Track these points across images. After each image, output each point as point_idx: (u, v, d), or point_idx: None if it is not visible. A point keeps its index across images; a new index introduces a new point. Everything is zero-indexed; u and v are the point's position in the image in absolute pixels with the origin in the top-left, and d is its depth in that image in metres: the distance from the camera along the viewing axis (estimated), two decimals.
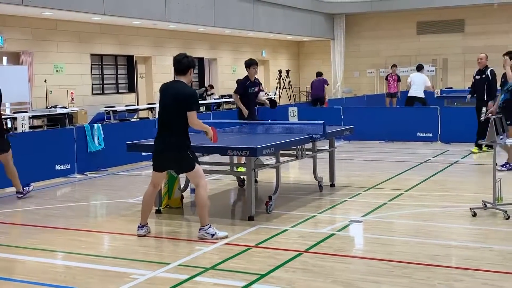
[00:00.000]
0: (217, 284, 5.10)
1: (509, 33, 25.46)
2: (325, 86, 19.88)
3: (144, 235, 6.62)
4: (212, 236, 6.35)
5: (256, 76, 10.38)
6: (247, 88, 10.15)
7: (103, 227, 7.26)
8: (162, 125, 6.46)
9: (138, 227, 6.68)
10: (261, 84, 10.60)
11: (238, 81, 10.90)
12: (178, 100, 6.30)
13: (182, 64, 6.46)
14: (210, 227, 6.41)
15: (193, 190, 8.81)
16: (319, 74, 20.44)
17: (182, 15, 18.49)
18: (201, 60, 23.99)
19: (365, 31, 28.37)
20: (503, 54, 10.60)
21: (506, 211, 7.09)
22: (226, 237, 6.41)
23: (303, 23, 25.61)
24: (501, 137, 7.35)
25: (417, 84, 17.05)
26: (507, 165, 10.18)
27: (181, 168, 6.57)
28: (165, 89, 6.57)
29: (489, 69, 12.73)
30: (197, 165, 6.46)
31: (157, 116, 16.64)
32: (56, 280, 5.28)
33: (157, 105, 18.23)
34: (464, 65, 26.60)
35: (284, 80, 26.04)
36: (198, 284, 5.11)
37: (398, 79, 21.32)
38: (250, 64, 10.08)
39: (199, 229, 6.43)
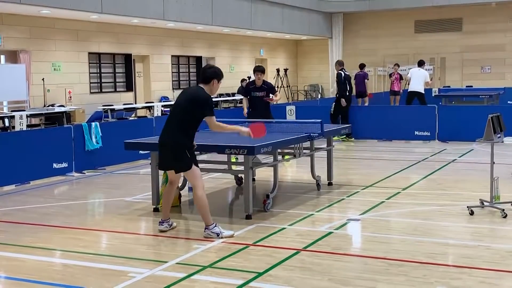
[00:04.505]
0: (215, 282, 5.11)
1: (507, 32, 25.48)
2: (366, 80, 20.21)
3: (166, 230, 6.71)
4: (218, 235, 6.35)
5: (264, 81, 10.55)
6: (249, 92, 10.54)
7: (101, 225, 7.26)
8: (168, 123, 6.53)
9: (159, 222, 6.81)
10: (268, 89, 10.59)
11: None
12: (191, 102, 6.39)
13: (205, 73, 6.59)
14: (215, 226, 6.42)
15: (191, 189, 8.83)
16: (361, 66, 20.64)
17: (180, 13, 18.47)
18: (199, 58, 23.99)
19: (363, 29, 28.37)
20: None
21: (503, 210, 7.11)
22: (232, 236, 6.42)
23: (301, 22, 25.60)
24: (499, 135, 7.37)
25: (416, 78, 17.02)
26: None
27: (177, 166, 6.57)
28: (184, 91, 6.81)
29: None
30: (194, 166, 6.46)
31: (155, 115, 16.66)
32: (54, 279, 5.28)
33: (155, 104, 18.32)
34: (462, 64, 26.62)
35: (282, 79, 26.03)
36: (196, 282, 5.12)
37: (400, 78, 21.53)
38: (253, 70, 10.55)
39: (204, 229, 6.42)
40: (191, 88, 6.85)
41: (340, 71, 15.09)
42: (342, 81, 15.05)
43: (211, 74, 6.56)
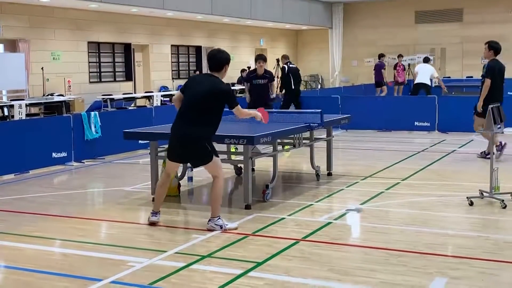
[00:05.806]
0: (214, 271, 5.11)
1: (507, 22, 25.40)
2: (382, 70, 20.84)
3: (157, 222, 6.59)
4: (221, 228, 6.28)
5: (265, 70, 10.67)
6: (251, 80, 10.65)
7: (100, 215, 7.26)
8: (185, 115, 6.29)
9: (151, 213, 6.63)
10: (269, 77, 10.71)
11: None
12: (213, 95, 6.18)
13: (216, 60, 6.29)
14: (219, 218, 6.34)
15: (190, 179, 8.83)
16: (380, 56, 21.39)
17: (179, 2, 18.40)
18: (198, 48, 23.93)
19: (363, 20, 28.27)
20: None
21: (503, 200, 7.10)
22: (235, 228, 6.34)
23: (301, 11, 25.53)
24: (499, 126, 7.35)
25: (422, 73, 17.81)
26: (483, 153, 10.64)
27: (199, 161, 6.42)
28: (197, 81, 6.46)
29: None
30: (215, 157, 6.34)
31: (154, 105, 16.61)
32: (53, 268, 5.28)
33: (155, 94, 18.29)
34: (462, 55, 26.56)
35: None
36: (195, 272, 5.12)
37: (404, 68, 21.69)
38: (255, 59, 10.65)
39: (209, 220, 6.35)
40: (206, 78, 6.38)
41: (284, 65, 15.19)
42: (285, 75, 15.07)
43: (224, 60, 6.28)
